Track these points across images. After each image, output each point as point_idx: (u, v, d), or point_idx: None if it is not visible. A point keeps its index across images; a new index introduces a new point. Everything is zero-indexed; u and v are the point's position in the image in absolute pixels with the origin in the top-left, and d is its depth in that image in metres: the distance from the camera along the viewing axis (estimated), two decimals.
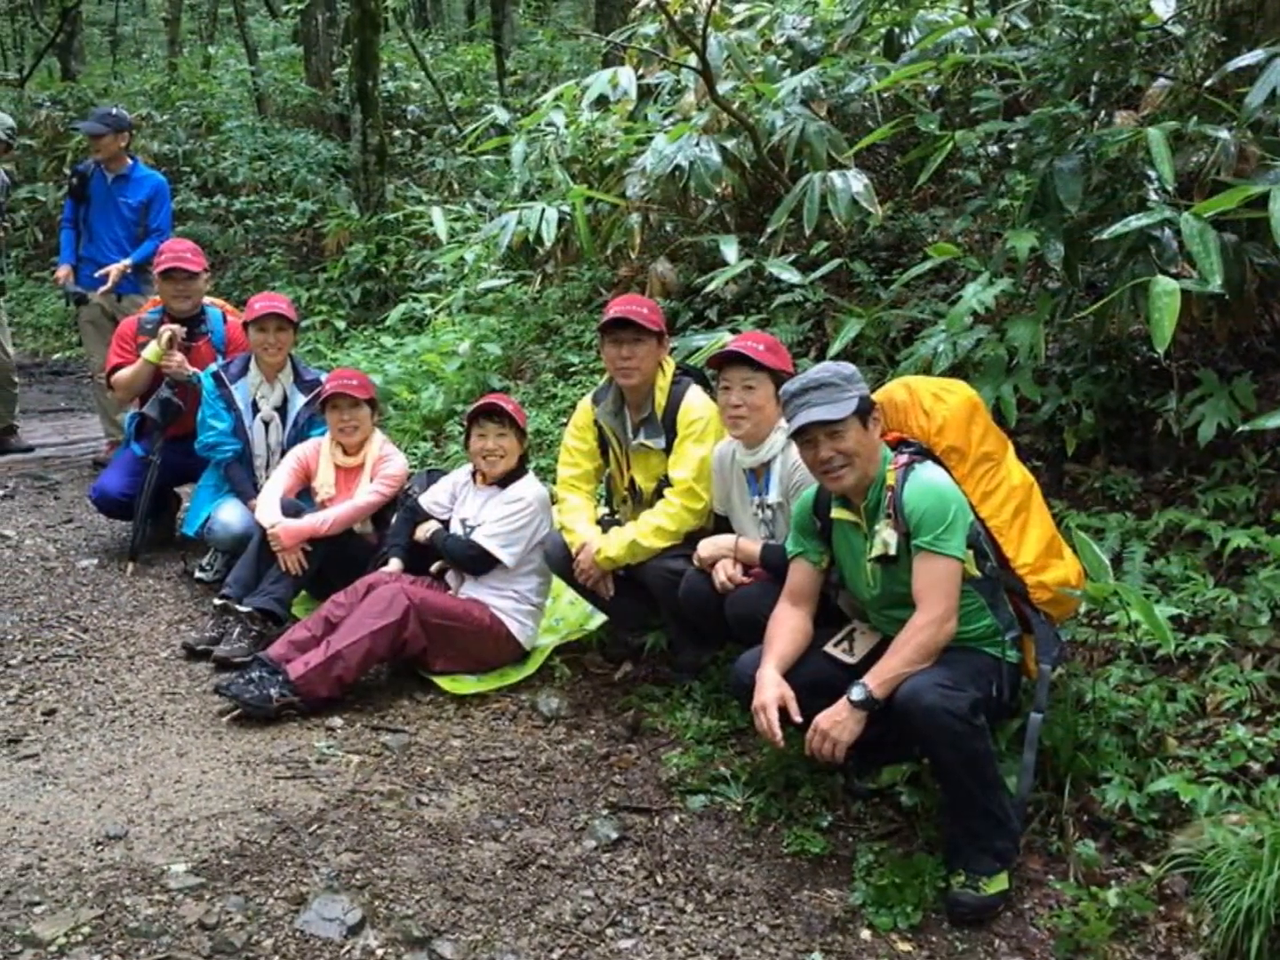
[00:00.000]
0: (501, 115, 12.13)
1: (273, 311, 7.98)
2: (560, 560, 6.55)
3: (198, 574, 8.13)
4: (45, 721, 6.11)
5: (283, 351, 8.11)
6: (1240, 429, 5.65)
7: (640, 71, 10.19)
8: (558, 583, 6.95)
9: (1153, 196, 5.98)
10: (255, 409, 8.12)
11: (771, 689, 4.84)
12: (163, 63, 28.64)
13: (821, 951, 4.41)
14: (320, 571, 7.21)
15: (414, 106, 21.64)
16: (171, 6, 28.72)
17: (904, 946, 4.45)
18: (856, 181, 7.29)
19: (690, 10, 9.71)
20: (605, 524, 6.56)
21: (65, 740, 5.90)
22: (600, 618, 6.98)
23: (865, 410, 4.83)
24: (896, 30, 8.35)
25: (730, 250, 7.86)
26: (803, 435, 4.85)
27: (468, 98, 20.98)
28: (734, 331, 7.37)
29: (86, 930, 4.32)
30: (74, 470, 11.19)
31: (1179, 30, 6.60)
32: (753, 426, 5.83)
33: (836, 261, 7.44)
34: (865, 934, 4.53)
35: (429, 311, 12.07)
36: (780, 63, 8.96)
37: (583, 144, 10.24)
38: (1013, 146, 7.02)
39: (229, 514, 7.89)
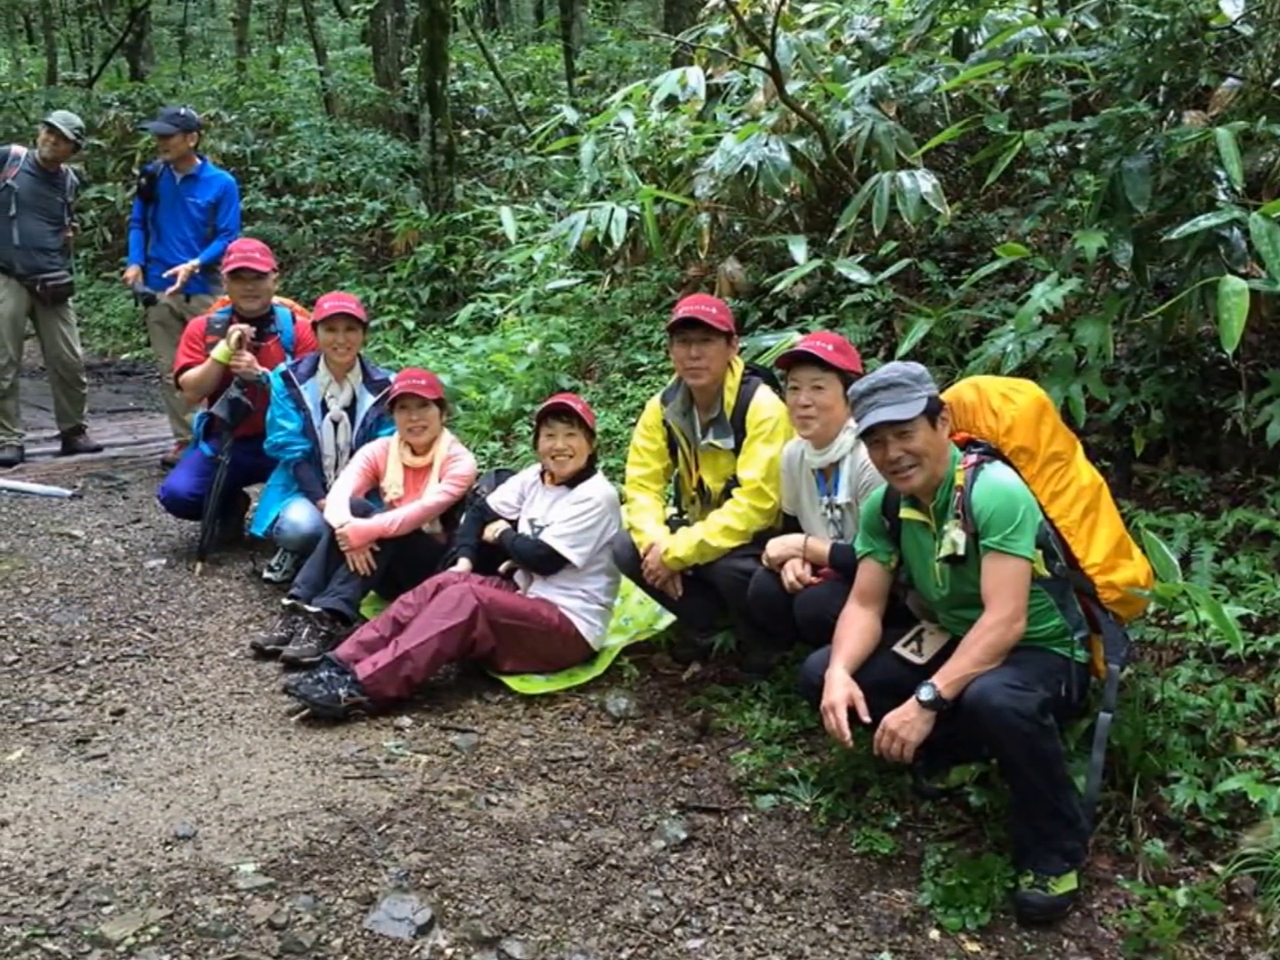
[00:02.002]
0: (570, 115, 12.15)
1: (342, 311, 8.00)
2: (628, 560, 6.56)
3: (266, 574, 8.18)
4: (114, 721, 6.14)
5: (352, 351, 8.13)
6: None
7: (709, 71, 10.21)
8: (626, 582, 6.97)
9: (1221, 196, 5.95)
10: (324, 409, 8.14)
11: (840, 689, 4.85)
12: (231, 63, 28.87)
13: (890, 951, 4.41)
14: (389, 572, 7.24)
15: (483, 106, 21.70)
16: (240, 6, 28.94)
17: (972, 947, 4.45)
18: (925, 181, 7.28)
19: (759, 10, 9.73)
20: (674, 524, 6.57)
21: (134, 740, 5.94)
22: (669, 618, 6.98)
23: (934, 410, 4.83)
24: (965, 30, 8.31)
25: (799, 250, 7.86)
26: (871, 435, 4.86)
27: (537, 98, 21.03)
28: (803, 331, 7.37)
29: (155, 930, 4.34)
30: (142, 470, 11.28)
31: (1248, 30, 6.56)
32: (821, 426, 5.82)
33: (905, 261, 7.44)
34: (934, 934, 4.52)
35: (498, 311, 12.14)
36: (849, 63, 8.94)
37: (651, 144, 10.25)
38: (1081, 146, 6.99)
39: (298, 514, 7.92)
